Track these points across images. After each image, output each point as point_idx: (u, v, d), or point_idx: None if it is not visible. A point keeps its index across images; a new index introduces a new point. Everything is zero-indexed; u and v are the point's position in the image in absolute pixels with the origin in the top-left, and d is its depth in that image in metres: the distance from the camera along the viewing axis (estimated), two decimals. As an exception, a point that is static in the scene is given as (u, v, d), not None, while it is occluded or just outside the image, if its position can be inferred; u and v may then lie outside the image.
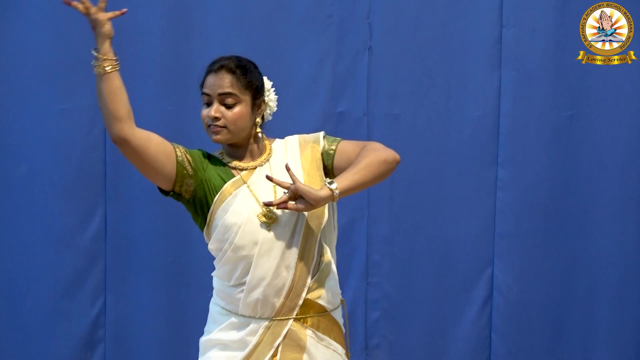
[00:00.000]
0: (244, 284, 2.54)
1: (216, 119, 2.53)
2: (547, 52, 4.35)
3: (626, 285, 4.38)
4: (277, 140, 2.72)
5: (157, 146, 2.51)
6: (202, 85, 2.60)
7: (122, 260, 4.27)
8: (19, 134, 4.18)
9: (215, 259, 2.63)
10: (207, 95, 2.56)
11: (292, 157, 2.63)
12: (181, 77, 4.19)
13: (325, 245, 2.65)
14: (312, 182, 2.56)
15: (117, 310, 4.28)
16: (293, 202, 2.43)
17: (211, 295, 2.73)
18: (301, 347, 2.56)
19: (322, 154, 2.64)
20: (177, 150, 2.56)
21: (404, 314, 4.37)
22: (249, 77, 2.57)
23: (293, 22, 4.26)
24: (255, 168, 2.60)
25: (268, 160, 2.63)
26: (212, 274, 2.68)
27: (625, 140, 4.40)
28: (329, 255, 2.66)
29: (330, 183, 2.44)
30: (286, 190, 2.43)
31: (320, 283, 2.60)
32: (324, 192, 2.42)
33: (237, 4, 4.24)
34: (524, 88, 4.35)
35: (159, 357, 4.28)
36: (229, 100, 2.54)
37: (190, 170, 2.55)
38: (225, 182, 2.55)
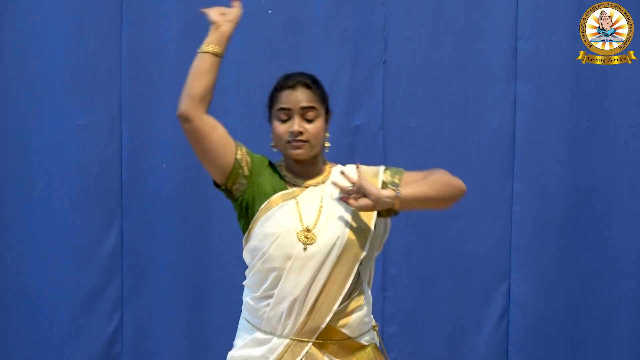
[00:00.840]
0: (270, 297, 2.54)
1: (300, 133, 2.54)
2: (562, 64, 4.36)
3: None
4: (338, 165, 2.71)
5: (219, 137, 2.53)
6: (275, 102, 2.61)
7: (139, 275, 4.31)
8: (37, 150, 4.24)
9: (247, 268, 2.64)
10: (287, 110, 2.56)
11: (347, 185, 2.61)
12: None
13: (362, 278, 2.64)
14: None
15: (134, 325, 4.31)
16: (354, 201, 2.46)
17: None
18: None
19: (384, 183, 2.62)
20: (239, 149, 2.58)
21: (421, 328, 4.37)
22: (322, 91, 2.62)
23: (309, 35, 4.29)
24: (309, 187, 2.61)
25: (324, 182, 2.63)
26: (243, 283, 2.69)
27: None
28: (364, 287, 2.64)
29: (395, 186, 2.47)
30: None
31: (348, 312, 2.59)
32: (387, 192, 2.44)
33: (254, 18, 4.25)
34: (540, 100, 4.36)
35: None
36: (310, 114, 2.56)
37: (246, 171, 2.57)
38: (275, 192, 2.57)
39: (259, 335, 2.58)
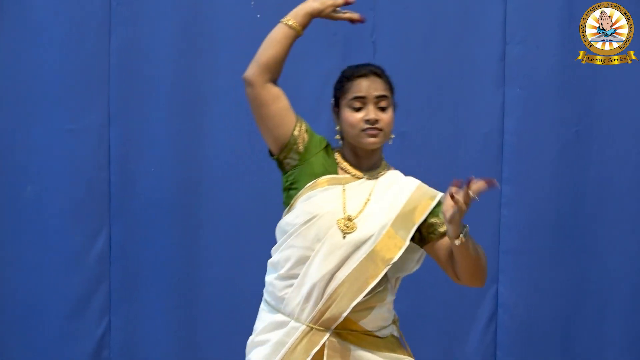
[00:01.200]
0: (295, 277, 2.55)
1: (376, 121, 2.55)
2: (551, 69, 4.42)
3: (637, 302, 4.45)
4: (396, 171, 2.72)
5: (279, 108, 2.58)
6: (347, 92, 2.62)
7: (128, 280, 4.37)
8: (28, 154, 4.32)
9: (275, 245, 2.67)
10: (362, 98, 2.56)
11: (400, 192, 2.61)
12: (191, 96, 4.37)
13: (388, 277, 2.62)
14: (404, 221, 2.56)
15: (122, 330, 4.38)
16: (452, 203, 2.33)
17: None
18: (346, 357, 2.58)
19: (433, 211, 2.58)
20: (299, 124, 2.61)
21: (410, 333, 4.39)
22: (390, 82, 2.66)
23: (299, 40, 4.31)
24: (361, 179, 2.61)
25: (376, 178, 2.63)
26: (268, 261, 2.68)
27: (634, 154, 4.47)
28: (388, 286, 2.63)
29: (464, 227, 2.39)
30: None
31: (368, 307, 2.58)
32: (461, 224, 2.37)
33: (245, 24, 4.37)
34: (529, 105, 4.42)
35: (165, 377, 4.41)
36: (383, 103, 2.58)
37: (301, 147, 2.59)
38: (324, 175, 2.58)
39: (279, 317, 2.59)
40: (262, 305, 2.69)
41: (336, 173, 2.61)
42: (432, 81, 4.36)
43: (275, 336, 2.57)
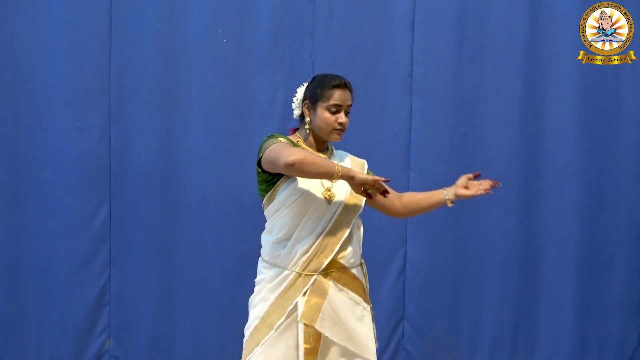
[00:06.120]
0: (287, 239, 3.04)
1: (343, 124, 3.08)
2: (446, 83, 5.20)
3: (506, 261, 5.35)
4: (339, 150, 3.34)
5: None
6: (328, 97, 3.07)
7: (123, 242, 5.16)
8: (45, 146, 5.10)
9: (268, 220, 3.16)
10: (338, 105, 3.08)
11: (348, 165, 3.22)
12: (169, 103, 5.16)
13: (354, 223, 3.16)
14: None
15: (119, 281, 5.18)
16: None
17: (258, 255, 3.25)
18: (324, 294, 3.03)
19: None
20: None
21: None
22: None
23: (254, 60, 5.20)
24: (323, 157, 3.04)
25: (330, 157, 3.20)
26: (262, 233, 3.19)
27: (507, 150, 5.25)
28: (354, 229, 3.16)
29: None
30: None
31: (344, 247, 3.09)
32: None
33: (213, 47, 5.16)
34: (429, 111, 5.21)
35: (153, 316, 5.19)
36: (348, 109, 3.13)
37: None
38: None
39: (275, 270, 3.07)
40: (260, 264, 3.16)
41: None
42: (357, 91, 4.69)
43: (272, 283, 3.05)
